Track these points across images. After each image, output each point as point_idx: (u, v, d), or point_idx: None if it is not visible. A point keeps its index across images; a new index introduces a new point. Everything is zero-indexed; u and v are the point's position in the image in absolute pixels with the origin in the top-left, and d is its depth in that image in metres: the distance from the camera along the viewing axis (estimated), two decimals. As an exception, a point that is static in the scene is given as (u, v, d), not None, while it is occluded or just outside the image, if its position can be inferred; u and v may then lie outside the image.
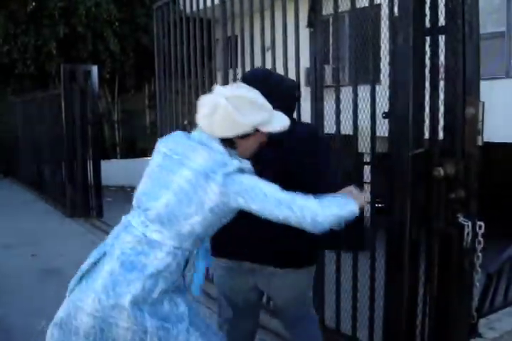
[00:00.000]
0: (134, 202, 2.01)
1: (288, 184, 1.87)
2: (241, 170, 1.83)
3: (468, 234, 2.24)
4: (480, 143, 2.28)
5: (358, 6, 2.87)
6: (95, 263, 1.99)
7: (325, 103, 3.11)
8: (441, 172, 2.23)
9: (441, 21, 2.35)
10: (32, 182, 10.85)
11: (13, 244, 6.12)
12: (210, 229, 1.94)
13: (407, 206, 2.41)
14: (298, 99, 2.42)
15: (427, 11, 2.39)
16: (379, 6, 2.92)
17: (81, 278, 2.00)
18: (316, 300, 3.33)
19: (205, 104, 1.89)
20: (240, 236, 2.19)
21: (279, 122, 1.94)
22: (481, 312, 3.11)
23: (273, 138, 1.98)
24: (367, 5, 2.80)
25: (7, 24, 12.01)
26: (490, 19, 7.93)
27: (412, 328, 2.55)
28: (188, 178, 1.83)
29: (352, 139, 2.93)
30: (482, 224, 2.32)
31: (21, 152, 11.79)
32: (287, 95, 2.27)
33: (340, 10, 3.00)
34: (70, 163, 7.97)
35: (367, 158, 3.16)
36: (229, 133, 1.87)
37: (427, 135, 2.44)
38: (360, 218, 2.00)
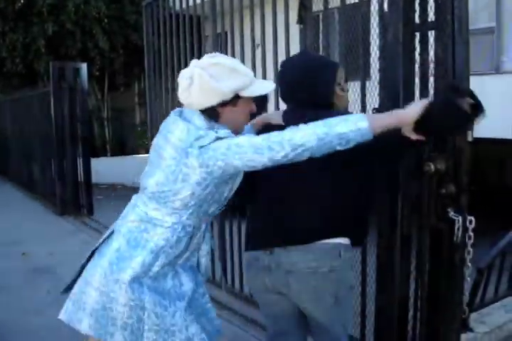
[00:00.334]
0: (140, 182, 2.08)
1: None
2: (218, 139, 1.79)
3: (458, 229, 2.25)
4: (470, 139, 2.28)
5: (347, 2, 2.88)
6: (106, 240, 2.08)
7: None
8: (432, 167, 2.24)
9: (431, 17, 2.35)
10: (22, 180, 10.80)
11: (3, 242, 6.10)
12: (209, 202, 1.94)
13: (399, 201, 2.41)
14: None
15: (417, 7, 2.39)
16: (369, 2, 2.92)
17: (93, 255, 2.10)
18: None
19: (182, 77, 1.91)
20: (262, 225, 2.06)
21: (261, 86, 1.92)
22: (471, 306, 3.13)
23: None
24: (357, 1, 2.80)
25: (-5, 22, 11.93)
26: (480, 15, 7.96)
27: (403, 323, 2.56)
28: (172, 156, 1.86)
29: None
30: (472, 219, 2.33)
31: (11, 150, 11.73)
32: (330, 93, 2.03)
33: (330, 6, 3.00)
34: (59, 161, 7.93)
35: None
36: (207, 103, 1.87)
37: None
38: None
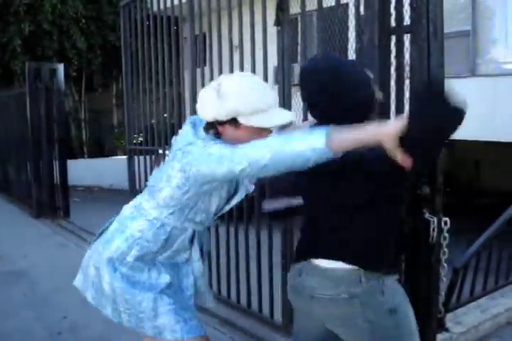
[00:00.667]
0: None
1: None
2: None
3: (433, 229, 2.27)
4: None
5: (325, 5, 2.89)
6: (111, 222, 2.18)
7: (293, 101, 3.12)
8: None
9: (406, 20, 2.38)
10: (-3, 182, 10.64)
11: (-23, 245, 6.00)
12: (193, 210, 1.96)
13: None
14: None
15: (392, 10, 2.42)
16: (346, 5, 2.94)
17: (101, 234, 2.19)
18: (285, 299, 3.35)
19: (206, 92, 1.89)
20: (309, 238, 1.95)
21: (269, 118, 1.79)
22: (447, 306, 3.16)
23: None
24: (334, 4, 2.81)
25: (-30, 21, 11.76)
26: (455, 18, 8.06)
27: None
28: (169, 156, 1.97)
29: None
30: (447, 220, 2.37)
31: (-15, 152, 11.55)
32: (360, 104, 1.78)
33: (308, 9, 3.01)
34: (35, 163, 7.84)
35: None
36: (206, 116, 1.85)
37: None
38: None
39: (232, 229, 3.69)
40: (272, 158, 1.61)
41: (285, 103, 3.10)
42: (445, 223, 2.37)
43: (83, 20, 12.24)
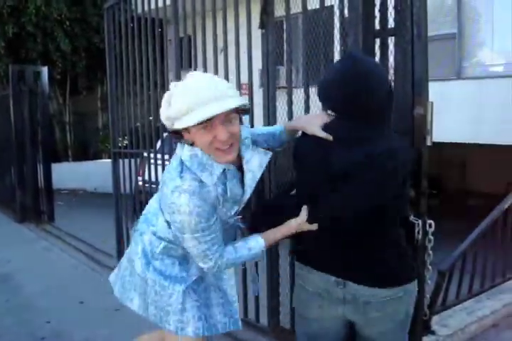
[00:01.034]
0: None
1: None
2: (182, 190, 1.77)
3: (418, 232, 2.27)
4: (429, 143, 2.31)
5: (310, 7, 2.88)
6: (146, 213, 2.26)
7: (278, 104, 3.11)
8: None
9: (391, 23, 2.38)
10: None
11: (-40, 250, 5.92)
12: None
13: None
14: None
15: (377, 13, 2.42)
16: (332, 7, 2.93)
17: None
18: (271, 303, 3.34)
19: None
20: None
21: (196, 115, 1.70)
22: (433, 309, 3.16)
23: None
24: (318, 7, 2.81)
25: (-48, 23, 11.62)
26: (442, 21, 8.12)
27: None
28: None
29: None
30: (432, 222, 2.36)
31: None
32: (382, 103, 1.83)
33: (293, 11, 3.00)
34: (19, 167, 7.74)
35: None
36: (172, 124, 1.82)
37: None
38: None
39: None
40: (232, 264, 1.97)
41: (270, 105, 3.08)
42: (430, 225, 2.37)
43: (67, 23, 12.13)
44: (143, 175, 5.21)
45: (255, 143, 2.03)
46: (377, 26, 2.42)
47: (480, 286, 3.93)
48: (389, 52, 2.38)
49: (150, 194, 4.63)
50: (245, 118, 2.02)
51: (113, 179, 5.15)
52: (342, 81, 1.79)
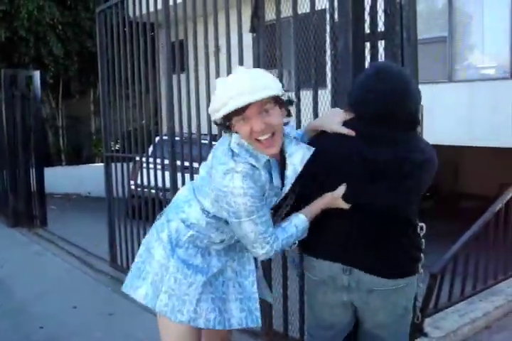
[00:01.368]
0: None
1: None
2: (232, 172, 1.83)
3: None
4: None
5: (300, 11, 2.90)
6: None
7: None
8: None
9: (380, 27, 2.39)
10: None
11: (-48, 256, 5.88)
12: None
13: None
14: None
15: (367, 17, 2.43)
16: (322, 11, 2.94)
17: None
18: (264, 306, 3.33)
19: None
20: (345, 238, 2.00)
21: (228, 106, 1.79)
22: (425, 311, 3.17)
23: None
24: (309, 11, 2.82)
25: None
26: (433, 24, 8.16)
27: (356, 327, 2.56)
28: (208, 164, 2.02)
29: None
30: (423, 225, 2.36)
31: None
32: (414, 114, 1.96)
33: (285, 15, 3.01)
34: (11, 171, 7.72)
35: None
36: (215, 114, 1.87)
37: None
38: None
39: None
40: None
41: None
42: (421, 228, 2.37)
43: (60, 27, 12.13)
44: (135, 179, 5.21)
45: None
46: (367, 30, 2.44)
47: (472, 288, 3.94)
48: (379, 55, 2.40)
49: (143, 198, 4.70)
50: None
51: (105, 183, 5.14)
52: (385, 93, 1.86)
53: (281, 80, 3.05)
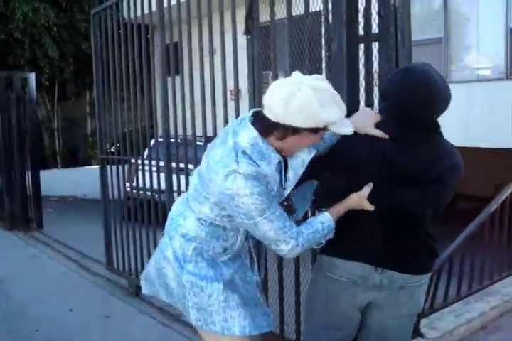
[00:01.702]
0: None
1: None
2: (235, 173, 1.77)
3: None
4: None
5: (295, 13, 2.90)
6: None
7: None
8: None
9: (375, 28, 2.40)
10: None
11: None
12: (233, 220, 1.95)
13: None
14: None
15: (360, 19, 2.44)
16: (317, 13, 2.95)
17: None
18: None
19: (284, 88, 1.77)
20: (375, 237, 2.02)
21: (345, 125, 1.83)
22: (421, 312, 3.17)
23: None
24: (303, 13, 2.82)
25: None
26: (428, 26, 8.18)
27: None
28: (204, 169, 1.92)
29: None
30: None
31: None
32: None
33: (279, 17, 3.02)
34: (7, 174, 7.70)
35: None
36: (295, 123, 1.76)
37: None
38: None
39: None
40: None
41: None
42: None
43: (55, 29, 12.12)
44: (131, 182, 5.20)
45: None
46: (361, 32, 2.44)
47: (468, 289, 3.94)
48: (373, 57, 2.40)
49: (138, 200, 4.69)
50: None
51: (101, 185, 5.13)
52: (422, 95, 1.88)
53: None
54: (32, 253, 6.24)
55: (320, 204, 2.11)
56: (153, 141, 4.48)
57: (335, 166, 2.01)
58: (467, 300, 3.88)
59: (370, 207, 1.95)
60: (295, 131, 1.79)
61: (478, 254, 3.97)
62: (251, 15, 2.96)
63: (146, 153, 4.61)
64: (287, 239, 1.85)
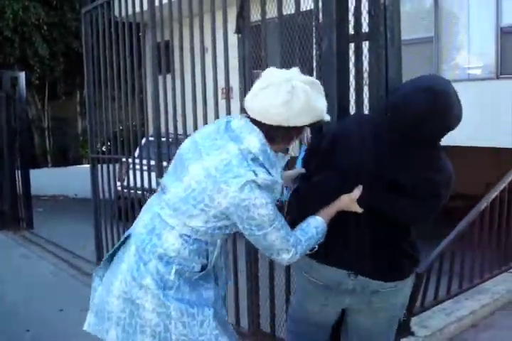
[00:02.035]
0: (162, 180, 1.98)
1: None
2: (252, 183, 1.70)
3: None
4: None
5: (286, 12, 2.90)
6: (122, 245, 2.00)
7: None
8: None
9: (365, 27, 2.40)
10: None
11: None
12: (228, 227, 1.86)
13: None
14: None
15: (351, 18, 2.44)
16: (307, 12, 2.95)
17: (110, 261, 2.05)
18: (251, 306, 3.33)
19: (274, 89, 1.71)
20: (350, 242, 2.03)
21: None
22: (412, 310, 3.18)
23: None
24: (294, 12, 2.82)
25: None
26: (419, 25, 8.19)
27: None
28: (199, 179, 1.76)
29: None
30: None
31: None
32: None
33: (270, 16, 3.02)
34: (-3, 173, 7.66)
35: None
36: (301, 121, 1.74)
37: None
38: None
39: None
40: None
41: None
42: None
43: (45, 27, 12.07)
44: (122, 181, 5.19)
45: None
46: (351, 31, 2.45)
47: (458, 287, 3.95)
48: (363, 56, 2.40)
49: (129, 199, 4.67)
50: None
51: (92, 184, 5.12)
52: (427, 111, 1.86)
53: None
54: (22, 253, 6.20)
55: (295, 212, 2.10)
56: (144, 140, 4.47)
57: (325, 166, 2.01)
58: (458, 299, 3.89)
59: (359, 209, 1.95)
60: (297, 130, 1.78)
61: (469, 252, 3.98)
62: (242, 14, 2.96)
63: (137, 152, 4.59)
64: (289, 248, 1.81)
